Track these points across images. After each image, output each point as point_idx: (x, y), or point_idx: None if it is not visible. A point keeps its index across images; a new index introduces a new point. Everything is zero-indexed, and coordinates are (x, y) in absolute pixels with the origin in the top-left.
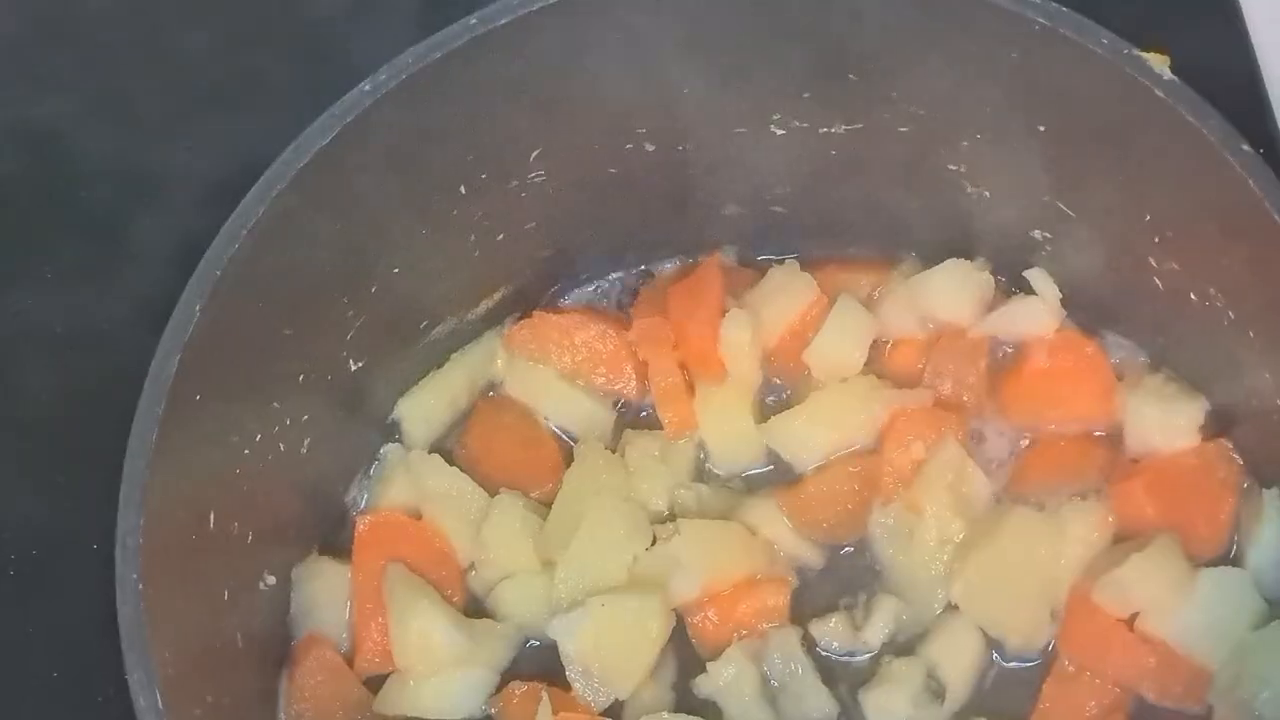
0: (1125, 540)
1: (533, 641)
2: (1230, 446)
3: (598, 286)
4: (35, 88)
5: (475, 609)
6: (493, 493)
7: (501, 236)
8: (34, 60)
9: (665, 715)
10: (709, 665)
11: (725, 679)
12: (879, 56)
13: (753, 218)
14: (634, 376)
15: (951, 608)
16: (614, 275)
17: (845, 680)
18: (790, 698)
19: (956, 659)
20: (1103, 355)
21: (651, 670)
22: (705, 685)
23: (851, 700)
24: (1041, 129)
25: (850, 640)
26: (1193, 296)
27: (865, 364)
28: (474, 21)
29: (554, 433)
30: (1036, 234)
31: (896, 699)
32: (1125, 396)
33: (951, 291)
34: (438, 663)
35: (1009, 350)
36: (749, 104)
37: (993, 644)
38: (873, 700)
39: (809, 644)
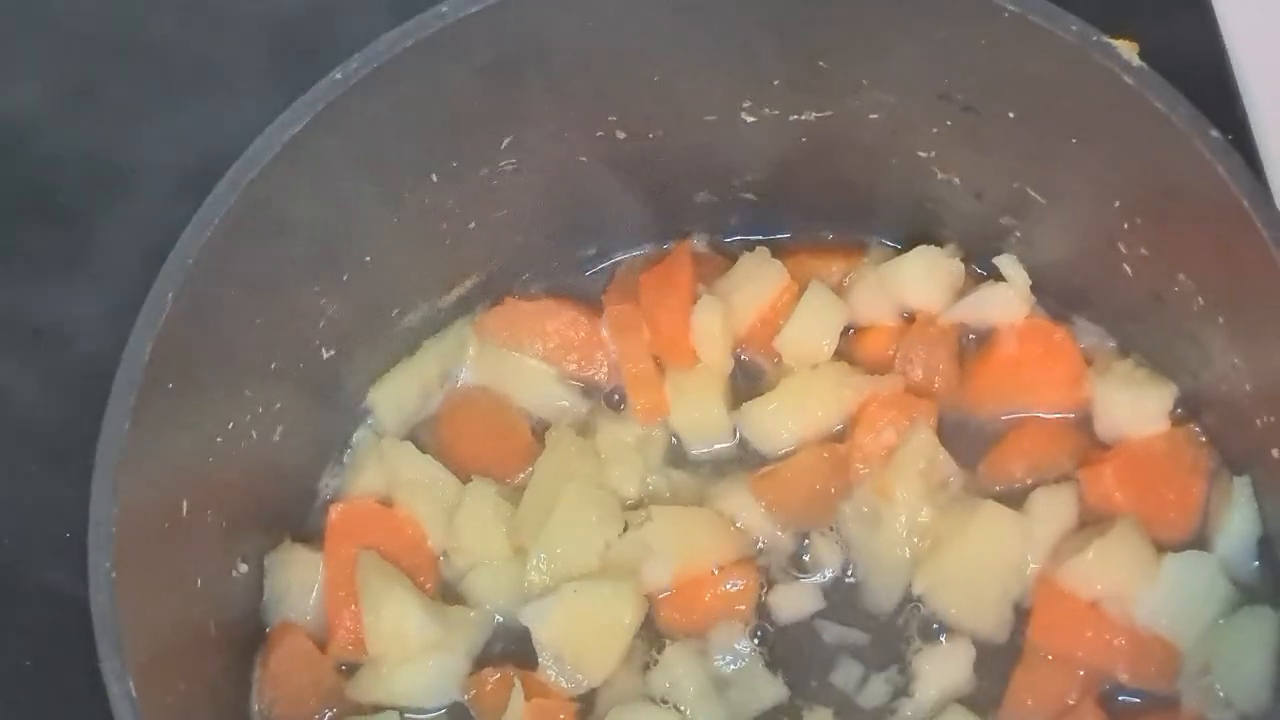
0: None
1: (503, 623)
2: (1199, 432)
3: (569, 274)
4: (3, 76)
5: (448, 596)
6: (465, 480)
7: (473, 224)
8: (2, 48)
9: (637, 703)
10: (653, 671)
11: (668, 682)
12: (849, 44)
13: (723, 205)
14: (605, 363)
15: (940, 627)
16: (585, 262)
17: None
18: (741, 689)
19: (941, 678)
20: (1072, 341)
21: (624, 657)
22: (653, 686)
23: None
24: (1011, 115)
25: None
26: (1162, 282)
27: (836, 350)
28: (445, 9)
29: (526, 420)
30: (1006, 220)
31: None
32: (1095, 382)
33: (922, 278)
34: (410, 650)
35: (979, 336)
36: (720, 91)
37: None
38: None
39: (760, 628)
